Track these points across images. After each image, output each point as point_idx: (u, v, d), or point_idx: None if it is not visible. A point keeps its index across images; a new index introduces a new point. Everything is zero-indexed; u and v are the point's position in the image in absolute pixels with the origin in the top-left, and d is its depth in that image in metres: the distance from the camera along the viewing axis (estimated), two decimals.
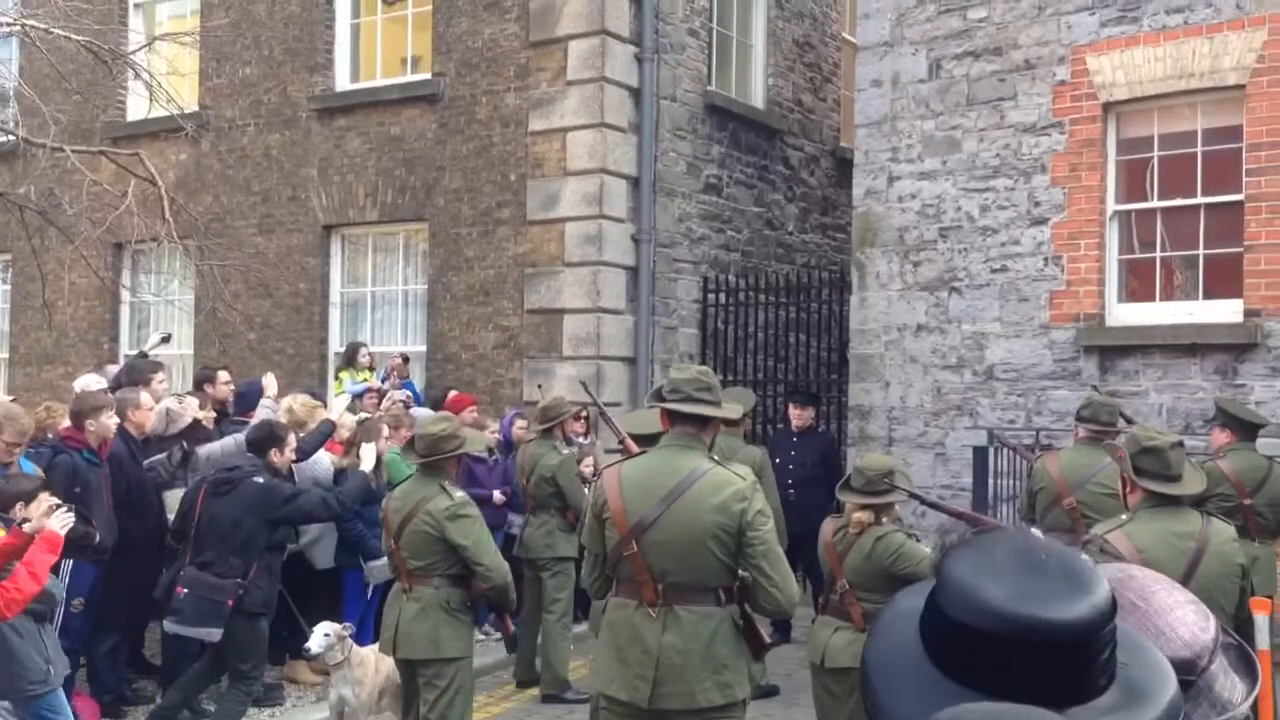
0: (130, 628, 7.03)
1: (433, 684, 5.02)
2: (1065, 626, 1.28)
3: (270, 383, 7.71)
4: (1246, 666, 1.72)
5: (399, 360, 9.96)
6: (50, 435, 6.59)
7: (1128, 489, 4.02)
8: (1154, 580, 1.71)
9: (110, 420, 6.36)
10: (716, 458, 3.94)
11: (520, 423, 8.93)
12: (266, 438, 6.22)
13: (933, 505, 4.33)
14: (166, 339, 9.87)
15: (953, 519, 4.76)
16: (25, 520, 4.49)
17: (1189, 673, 1.59)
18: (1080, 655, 1.30)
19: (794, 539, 7.32)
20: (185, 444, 6.87)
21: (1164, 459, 3.89)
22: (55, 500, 4.49)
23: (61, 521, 4.45)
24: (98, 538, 5.96)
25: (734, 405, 4.74)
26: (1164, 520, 3.85)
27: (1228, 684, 1.64)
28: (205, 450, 6.88)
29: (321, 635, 5.69)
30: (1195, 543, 3.80)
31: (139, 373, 7.75)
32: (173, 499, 6.63)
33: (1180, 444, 4.00)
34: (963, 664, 1.32)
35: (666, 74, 10.63)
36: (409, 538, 5.03)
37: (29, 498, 5.34)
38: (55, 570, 5.66)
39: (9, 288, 13.69)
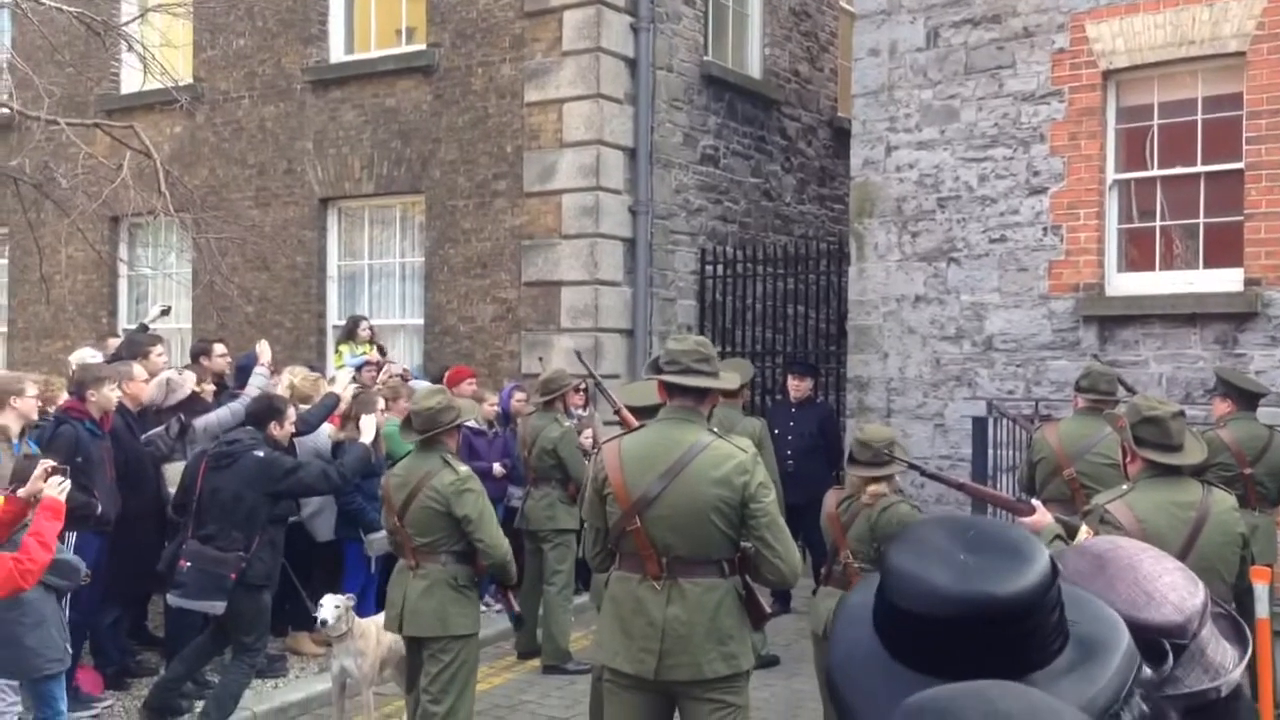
0: (132, 600, 7.06)
1: (438, 658, 5.03)
2: (1012, 598, 1.29)
3: (264, 350, 7.68)
4: (1237, 634, 1.74)
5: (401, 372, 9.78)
6: (51, 409, 6.59)
7: (1128, 459, 4.03)
8: (1141, 549, 1.72)
9: (112, 392, 6.37)
10: (716, 430, 3.94)
11: (519, 395, 8.93)
12: (266, 410, 6.22)
13: (933, 476, 4.33)
14: (166, 311, 9.84)
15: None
16: (17, 487, 4.47)
17: (1180, 637, 1.61)
18: (1031, 623, 1.31)
19: (793, 509, 7.34)
20: (183, 416, 6.87)
21: (1165, 428, 3.89)
22: (50, 463, 4.46)
23: (60, 487, 4.42)
24: (100, 508, 5.99)
25: (731, 376, 4.73)
26: (1165, 490, 3.86)
27: (1219, 649, 1.66)
28: (201, 421, 6.87)
29: (332, 606, 5.72)
30: (1196, 512, 3.81)
31: (137, 346, 7.74)
32: (172, 472, 6.64)
33: (1181, 413, 4.01)
34: (919, 652, 1.34)
35: (662, 44, 10.57)
36: (414, 514, 5.01)
37: (45, 473, 5.36)
38: (61, 541, 5.70)
39: (6, 262, 13.64)
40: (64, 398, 6.58)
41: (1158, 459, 3.90)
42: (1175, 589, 1.64)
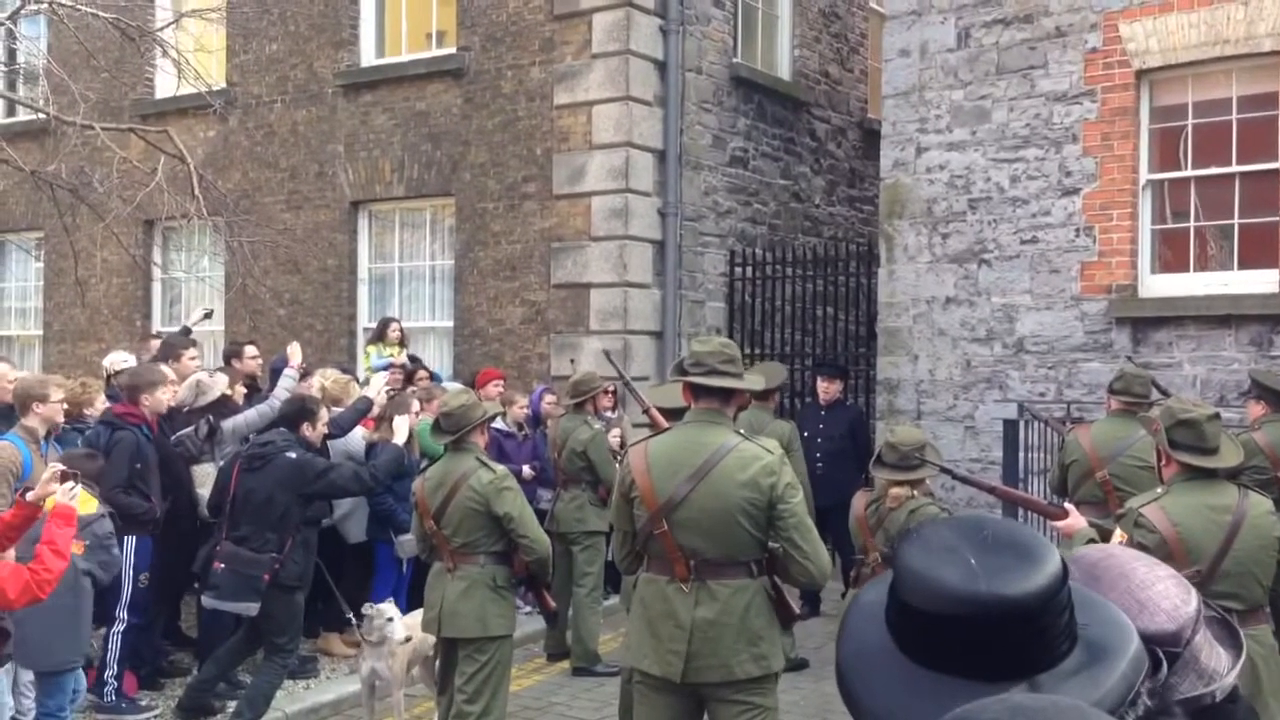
0: (166, 600, 7.13)
1: (474, 658, 5.05)
2: (1022, 599, 1.30)
3: (294, 352, 7.71)
4: (1231, 638, 1.74)
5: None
6: (87, 411, 6.67)
7: (1163, 462, 3.99)
8: (1135, 557, 1.73)
9: (164, 395, 6.47)
10: (742, 431, 3.93)
11: (549, 398, 8.95)
12: (298, 412, 6.25)
13: (964, 480, 4.31)
14: (209, 315, 9.93)
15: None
16: (29, 489, 4.48)
17: (1174, 644, 1.62)
18: (1040, 624, 1.32)
19: (822, 511, 7.32)
20: (211, 418, 6.93)
21: (1200, 431, 3.85)
22: (61, 467, 4.48)
23: (70, 493, 4.43)
24: (158, 513, 6.12)
25: (756, 377, 4.72)
26: (1200, 493, 3.82)
27: (1213, 655, 1.67)
28: (230, 423, 6.90)
29: (386, 617, 5.77)
30: (1232, 516, 3.77)
31: (170, 348, 7.83)
32: (200, 473, 6.68)
33: (1217, 416, 3.96)
34: (929, 648, 1.35)
35: (692, 46, 10.57)
36: (452, 515, 5.02)
37: (90, 473, 5.44)
38: (121, 547, 5.79)
39: (42, 265, 13.82)
40: (100, 400, 6.66)
41: (1193, 462, 3.86)
42: (1168, 597, 1.65)
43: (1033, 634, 1.32)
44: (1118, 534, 3.87)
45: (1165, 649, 1.60)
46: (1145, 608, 1.63)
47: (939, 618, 1.32)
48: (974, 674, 1.31)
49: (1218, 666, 1.65)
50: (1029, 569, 1.32)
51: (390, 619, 5.76)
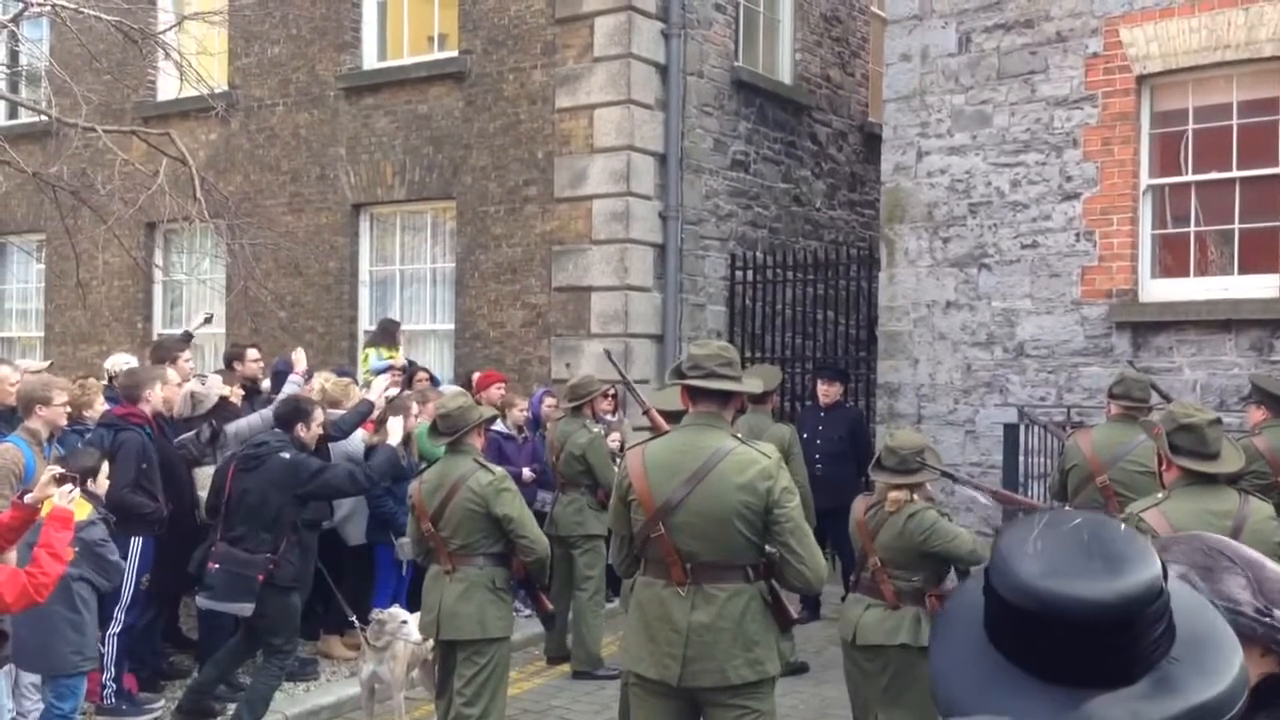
0: (164, 602, 7.14)
1: (473, 660, 5.05)
2: (1091, 607, 1.26)
3: (299, 358, 7.73)
4: None
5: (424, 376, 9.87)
6: (87, 412, 6.67)
7: (1164, 466, 3.99)
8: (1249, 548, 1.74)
9: (161, 392, 6.48)
10: (740, 435, 3.93)
11: (549, 400, 8.96)
12: (293, 413, 6.24)
13: (964, 483, 4.31)
14: (209, 319, 9.95)
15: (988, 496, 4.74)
16: (26, 492, 4.48)
17: None
18: (1111, 638, 1.28)
19: (822, 515, 7.32)
20: (214, 421, 6.93)
21: (1201, 436, 3.85)
22: (59, 470, 4.48)
23: (69, 496, 4.43)
24: (164, 513, 6.13)
25: (754, 380, 4.72)
26: (1201, 498, 3.82)
27: None
28: (233, 427, 6.91)
29: (399, 621, 5.80)
30: (1232, 521, 3.77)
31: (165, 350, 7.84)
32: (203, 476, 6.69)
33: (1218, 421, 3.96)
34: (1004, 636, 1.34)
35: (693, 49, 10.58)
36: (451, 516, 5.03)
37: (93, 473, 5.44)
38: (125, 548, 5.79)
39: (44, 267, 13.83)
40: (100, 401, 6.66)
41: (1194, 467, 3.86)
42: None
43: (1101, 646, 1.28)
44: None
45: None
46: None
47: (1013, 608, 1.31)
48: (1039, 672, 1.30)
49: None
50: (1109, 579, 1.28)
51: (404, 621, 5.78)
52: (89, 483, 5.29)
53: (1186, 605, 1.36)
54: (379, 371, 9.09)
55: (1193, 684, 1.31)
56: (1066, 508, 4.32)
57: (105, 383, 7.41)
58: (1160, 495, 3.92)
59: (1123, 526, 1.39)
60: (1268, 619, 1.61)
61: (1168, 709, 1.28)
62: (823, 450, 8.58)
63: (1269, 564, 1.68)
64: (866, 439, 9.12)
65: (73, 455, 5.57)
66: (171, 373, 7.10)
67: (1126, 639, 1.28)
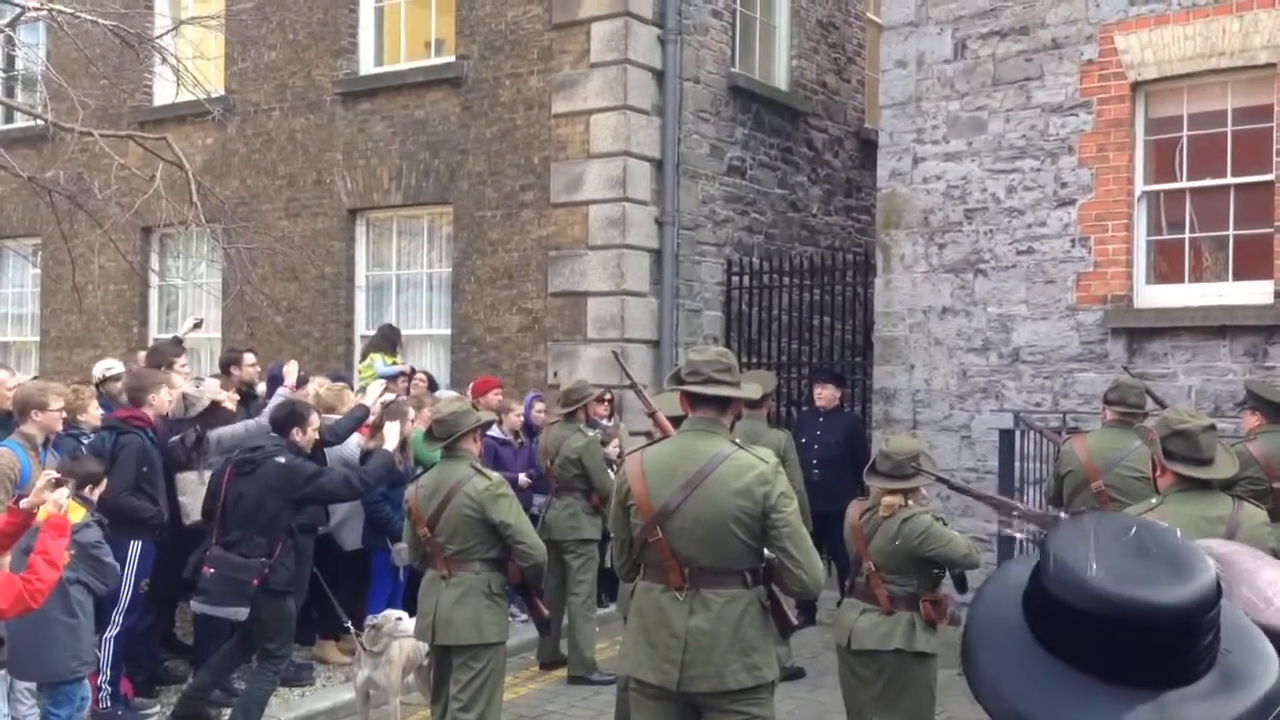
0: (161, 606, 7.12)
1: (468, 665, 5.05)
2: (1167, 610, 1.29)
3: (290, 371, 7.68)
4: None
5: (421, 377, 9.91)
6: (81, 417, 6.66)
7: (1158, 472, 4.00)
8: (1259, 555, 1.75)
9: (166, 396, 6.49)
10: (738, 441, 3.94)
11: (539, 405, 8.96)
12: (288, 417, 6.24)
13: (960, 489, 4.32)
14: (199, 325, 9.96)
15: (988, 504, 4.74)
16: (23, 497, 4.47)
17: None
18: (1180, 640, 1.31)
19: (819, 519, 7.33)
20: (199, 427, 6.91)
21: (1195, 442, 3.86)
22: (55, 475, 4.47)
23: (60, 502, 4.42)
24: (165, 516, 6.14)
25: (753, 386, 4.73)
26: (1194, 504, 3.83)
27: None
28: (215, 434, 6.85)
29: (395, 618, 5.82)
30: (1226, 527, 3.78)
31: (161, 356, 7.83)
32: (184, 481, 6.67)
33: (1212, 427, 3.97)
34: (1062, 640, 1.34)
35: (690, 55, 10.60)
36: (447, 522, 5.03)
37: (96, 480, 5.44)
38: (125, 551, 5.79)
39: (39, 272, 13.82)
40: (94, 406, 6.66)
41: (1188, 473, 3.86)
42: None
43: (1169, 648, 1.30)
44: None
45: None
46: (1272, 604, 1.64)
47: (1076, 611, 1.31)
48: (1102, 675, 1.31)
49: None
50: (1178, 582, 1.31)
51: (399, 619, 5.79)
52: (88, 488, 5.29)
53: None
54: (389, 377, 9.11)
55: (1254, 671, 1.35)
56: (1063, 514, 4.32)
57: (94, 388, 7.41)
58: (1154, 500, 3.93)
59: (1175, 531, 1.41)
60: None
61: (1243, 701, 1.32)
62: (820, 455, 8.60)
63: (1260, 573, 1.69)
64: (864, 444, 9.13)
65: (76, 460, 5.57)
66: (178, 378, 7.11)
67: (1195, 638, 1.31)
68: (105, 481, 5.60)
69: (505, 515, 5.00)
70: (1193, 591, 1.31)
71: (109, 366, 7.91)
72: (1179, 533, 1.41)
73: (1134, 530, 1.39)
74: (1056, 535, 1.40)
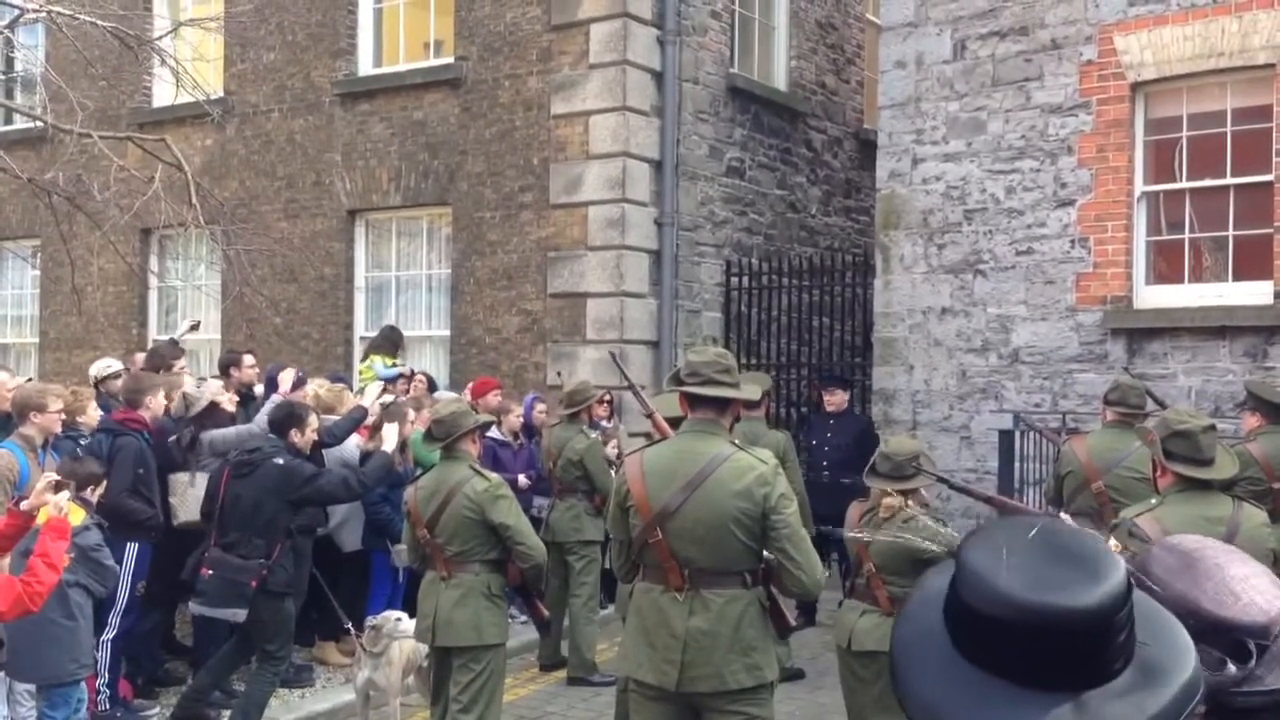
0: (161, 608, 7.11)
1: (468, 667, 5.04)
2: (1079, 613, 1.29)
3: (285, 379, 7.63)
4: None
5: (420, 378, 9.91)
6: (80, 419, 6.66)
7: (1158, 472, 4.00)
8: (1230, 550, 1.76)
9: (163, 400, 6.49)
10: (738, 442, 3.94)
11: (540, 406, 8.96)
12: (286, 418, 6.22)
13: (960, 490, 4.31)
14: (196, 327, 9.95)
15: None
16: (23, 499, 4.46)
17: (1264, 637, 1.65)
18: (1095, 641, 1.31)
19: (830, 521, 7.31)
20: (193, 428, 6.90)
21: (1195, 442, 3.86)
22: (55, 477, 4.47)
23: (62, 505, 4.40)
24: (161, 518, 6.13)
25: (752, 387, 4.73)
26: (1194, 504, 3.83)
27: None
28: (208, 436, 6.82)
29: (395, 619, 5.82)
30: (1226, 527, 3.78)
31: (160, 358, 7.82)
32: (176, 483, 6.67)
33: (1212, 427, 3.97)
34: (980, 648, 1.34)
35: (688, 56, 10.60)
36: (447, 523, 5.03)
37: (96, 481, 5.43)
38: (121, 553, 5.79)
39: (39, 273, 13.82)
40: (93, 408, 6.66)
41: (1188, 473, 3.86)
42: (1262, 591, 1.67)
43: (1086, 649, 1.31)
44: (1112, 544, 3.87)
45: (1256, 641, 1.63)
46: (1240, 599, 1.66)
47: (993, 620, 1.32)
48: (1022, 680, 1.31)
49: None
50: (1090, 584, 1.31)
51: (399, 619, 5.79)
52: (87, 490, 5.29)
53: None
54: (388, 379, 9.09)
55: (1171, 662, 1.36)
56: (1063, 514, 4.32)
57: (92, 388, 7.41)
58: (1154, 501, 3.93)
59: (1076, 528, 1.43)
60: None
61: (1165, 693, 1.32)
62: (830, 457, 8.61)
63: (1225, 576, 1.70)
64: (875, 446, 9.12)
65: (76, 462, 5.57)
66: (187, 379, 7.12)
67: (1110, 637, 1.32)
68: (104, 482, 5.60)
69: (505, 517, 4.99)
70: (1104, 592, 1.31)
71: (107, 365, 7.90)
72: (1088, 531, 1.41)
73: (1043, 533, 1.39)
74: (968, 544, 1.40)
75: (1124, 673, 1.34)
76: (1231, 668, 1.58)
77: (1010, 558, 1.34)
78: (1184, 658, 1.38)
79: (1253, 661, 1.61)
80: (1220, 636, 1.59)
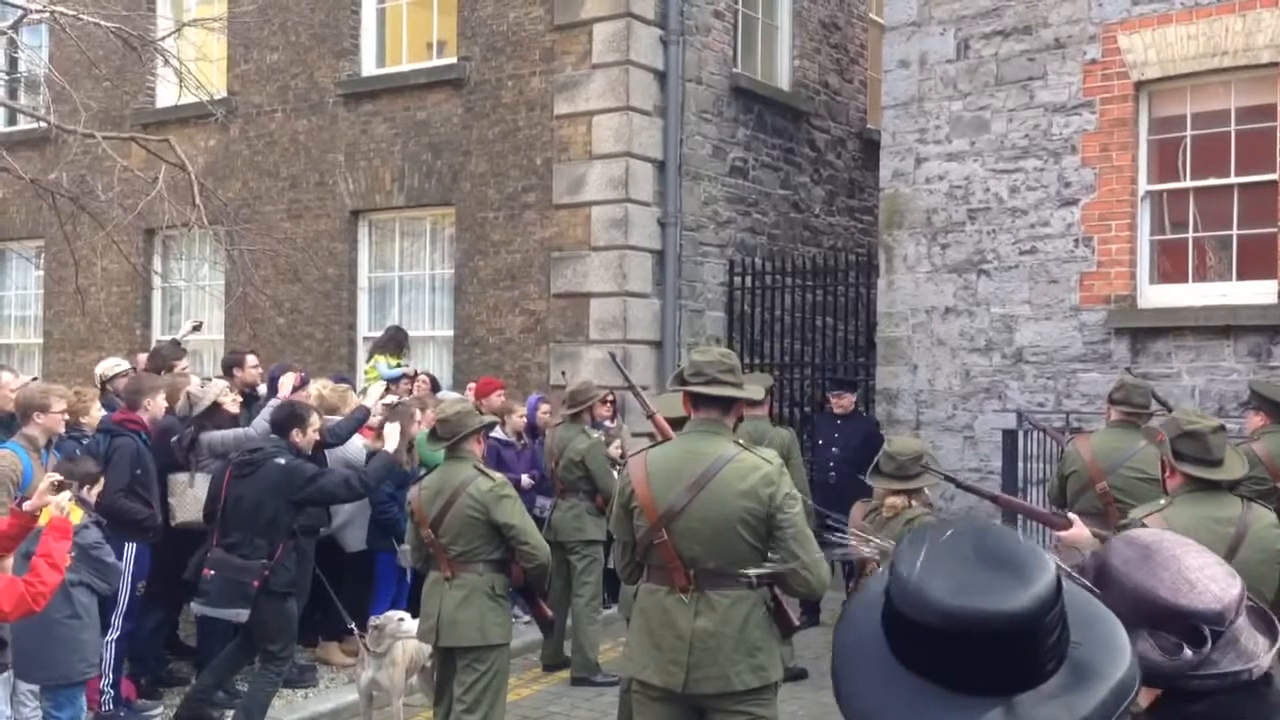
0: (166, 608, 7.12)
1: (473, 667, 5.04)
2: (1006, 617, 1.29)
3: (286, 383, 7.61)
4: (1268, 626, 1.83)
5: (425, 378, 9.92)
6: (83, 419, 6.66)
7: (1167, 473, 3.99)
8: (1184, 542, 1.81)
9: (163, 402, 6.48)
10: (742, 442, 3.93)
11: (544, 407, 8.95)
12: (288, 418, 6.22)
13: (968, 488, 4.31)
14: (198, 327, 9.96)
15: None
16: (26, 499, 4.46)
17: (1218, 624, 1.70)
18: (1024, 643, 1.31)
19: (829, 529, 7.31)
20: (193, 428, 6.90)
21: (1204, 443, 3.85)
22: (58, 477, 4.47)
23: (64, 504, 4.39)
24: (159, 519, 6.13)
25: (756, 387, 4.72)
26: (1203, 505, 3.82)
27: (1252, 638, 1.75)
28: (207, 437, 6.82)
29: (396, 619, 5.83)
30: (1235, 528, 3.77)
31: (162, 359, 7.82)
32: (173, 483, 6.66)
33: (1222, 428, 3.97)
34: (913, 654, 1.35)
35: (692, 56, 10.59)
36: (451, 523, 5.02)
37: (93, 480, 5.43)
38: (120, 553, 5.79)
39: (42, 273, 13.83)
40: (96, 409, 6.66)
41: (1197, 474, 3.86)
42: (1216, 580, 1.73)
43: (1015, 653, 1.31)
44: None
45: (1210, 627, 1.68)
46: (1195, 587, 1.71)
47: (923, 627, 1.32)
48: (954, 685, 1.31)
49: (1255, 649, 1.74)
50: (1018, 587, 1.31)
51: (401, 619, 5.79)
52: (85, 489, 5.29)
53: (1063, 586, 1.40)
54: (392, 379, 9.09)
55: (1104, 662, 1.37)
56: (1070, 514, 4.32)
57: (98, 388, 7.41)
58: (1163, 501, 3.92)
59: (1006, 529, 1.43)
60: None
61: (1096, 694, 1.33)
62: (837, 458, 8.61)
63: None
64: (880, 448, 9.13)
65: (72, 461, 5.57)
66: (194, 378, 7.12)
67: (1040, 639, 1.32)
68: (101, 481, 5.60)
69: (509, 516, 4.99)
70: (1031, 595, 1.31)
71: (115, 365, 7.90)
72: (1012, 531, 1.41)
73: (971, 537, 1.39)
74: (900, 552, 1.41)
75: (1056, 674, 1.34)
76: (1188, 653, 1.64)
77: (939, 564, 1.35)
78: (1118, 657, 1.38)
79: (1207, 646, 1.67)
80: (1177, 624, 1.65)
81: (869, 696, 1.36)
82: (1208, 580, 1.72)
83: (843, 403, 8.94)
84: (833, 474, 8.42)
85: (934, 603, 1.31)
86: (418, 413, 7.33)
